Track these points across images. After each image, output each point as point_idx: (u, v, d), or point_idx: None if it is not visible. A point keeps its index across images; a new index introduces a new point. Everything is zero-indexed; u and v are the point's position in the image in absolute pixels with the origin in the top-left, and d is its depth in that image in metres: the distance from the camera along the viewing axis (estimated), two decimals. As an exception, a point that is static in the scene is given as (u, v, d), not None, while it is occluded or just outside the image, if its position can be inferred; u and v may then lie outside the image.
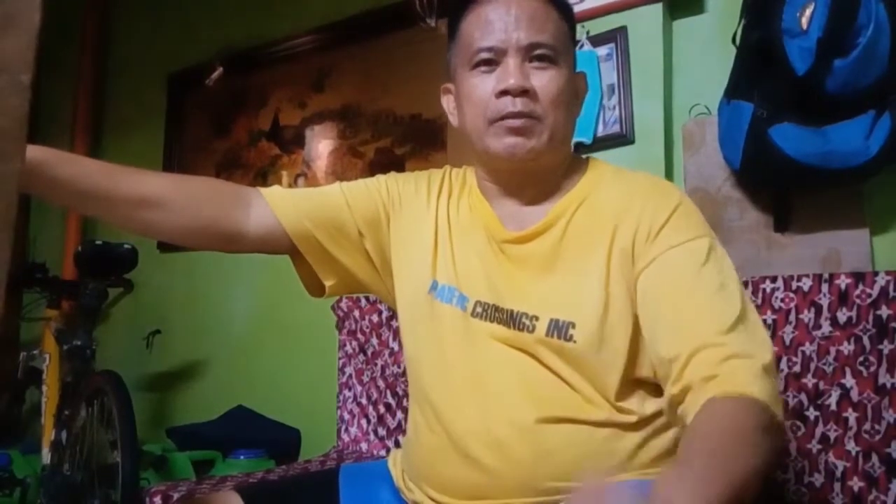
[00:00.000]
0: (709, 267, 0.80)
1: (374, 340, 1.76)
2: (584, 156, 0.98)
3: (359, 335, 1.79)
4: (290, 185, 2.33)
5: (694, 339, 0.75)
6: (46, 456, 2.16)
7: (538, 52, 0.86)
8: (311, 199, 0.97)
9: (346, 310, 1.82)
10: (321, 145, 2.28)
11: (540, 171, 0.90)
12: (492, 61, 0.87)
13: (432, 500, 0.88)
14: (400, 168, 2.07)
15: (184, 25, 2.75)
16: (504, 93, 0.85)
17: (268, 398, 2.23)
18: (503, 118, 0.85)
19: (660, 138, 1.55)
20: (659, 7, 1.57)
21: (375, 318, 1.77)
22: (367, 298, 1.77)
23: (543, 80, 0.86)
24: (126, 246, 2.26)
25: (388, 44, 2.14)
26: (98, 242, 2.25)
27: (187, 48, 2.68)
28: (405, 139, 2.08)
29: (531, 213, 0.91)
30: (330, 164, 2.25)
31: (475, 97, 0.88)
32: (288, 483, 1.19)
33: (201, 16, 2.69)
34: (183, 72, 2.68)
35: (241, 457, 1.99)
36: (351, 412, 1.78)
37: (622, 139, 1.58)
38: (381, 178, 1.00)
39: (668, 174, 1.54)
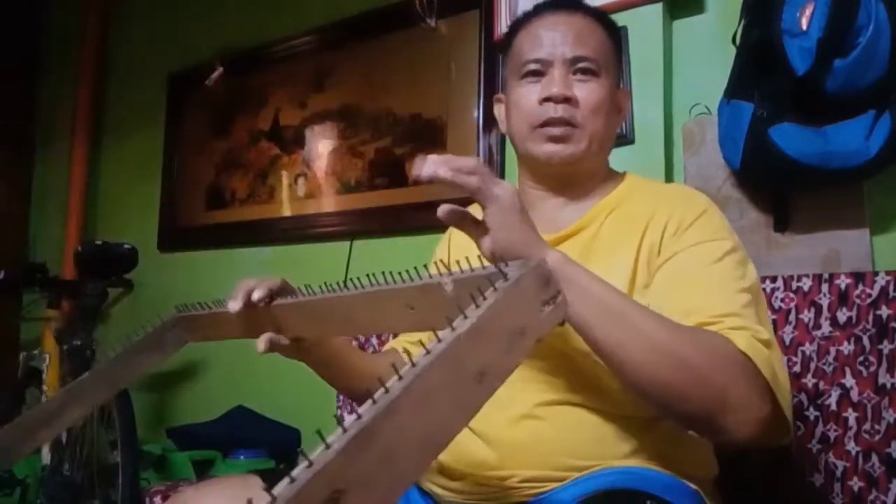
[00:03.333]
0: (722, 264, 0.82)
1: (374, 340, 1.76)
2: (621, 171, 1.02)
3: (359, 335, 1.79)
4: (290, 185, 2.34)
5: (692, 320, 0.75)
6: (46, 456, 2.16)
7: (581, 64, 0.93)
8: None
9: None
10: (321, 145, 2.28)
11: (577, 175, 0.96)
12: (539, 72, 0.94)
13: (439, 469, 0.89)
14: (399, 168, 2.07)
15: (184, 25, 2.75)
16: (547, 99, 0.92)
17: (268, 398, 2.23)
18: (545, 124, 0.92)
19: (660, 138, 1.55)
20: (659, 7, 1.57)
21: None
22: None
23: (585, 91, 0.92)
24: (126, 246, 2.26)
25: (388, 44, 2.14)
26: (98, 242, 2.26)
27: (187, 48, 2.68)
28: (405, 139, 2.08)
29: (566, 216, 0.96)
30: (330, 164, 2.25)
31: (522, 104, 0.95)
32: None
33: (201, 16, 2.69)
34: (183, 72, 2.68)
35: (241, 457, 1.99)
36: (351, 412, 1.78)
37: (622, 139, 1.58)
38: (440, 247, 1.14)
39: (668, 174, 1.54)
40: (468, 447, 0.87)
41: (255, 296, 0.81)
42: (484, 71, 1.92)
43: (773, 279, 1.23)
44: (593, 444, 0.83)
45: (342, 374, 0.97)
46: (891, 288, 1.13)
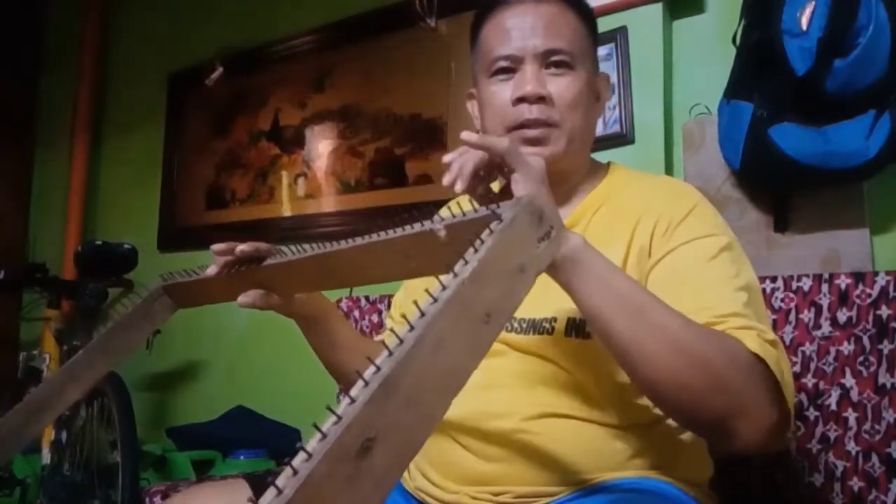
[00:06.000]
0: (718, 261, 0.79)
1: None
2: (604, 161, 0.99)
3: (359, 335, 1.79)
4: (290, 185, 2.34)
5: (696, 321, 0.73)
6: (46, 456, 2.16)
7: (555, 58, 0.87)
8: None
9: (346, 310, 1.82)
10: (321, 145, 2.28)
11: (558, 175, 0.90)
12: (510, 69, 0.88)
13: (434, 484, 0.88)
14: (399, 168, 2.07)
15: (184, 25, 2.75)
16: (521, 100, 0.86)
17: (268, 398, 2.23)
18: (520, 126, 0.86)
19: (660, 138, 1.55)
20: (659, 7, 1.57)
21: (375, 318, 1.77)
22: (366, 298, 1.77)
23: (560, 86, 0.87)
24: (126, 246, 2.26)
25: (388, 44, 2.14)
26: (98, 242, 2.25)
27: (187, 48, 2.68)
28: (405, 139, 2.08)
29: None
30: (330, 164, 2.25)
31: (494, 104, 0.89)
32: None
33: (201, 16, 2.69)
34: (183, 72, 2.68)
35: (241, 457, 1.99)
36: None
37: (622, 139, 1.58)
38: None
39: (668, 174, 1.54)
40: (462, 462, 0.86)
41: (241, 247, 0.77)
42: (484, 71, 1.93)
43: (773, 279, 1.23)
44: (587, 455, 0.82)
45: (328, 337, 0.94)
46: (891, 288, 1.13)
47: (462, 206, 0.99)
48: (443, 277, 0.44)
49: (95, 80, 2.96)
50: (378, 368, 0.39)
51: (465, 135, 0.70)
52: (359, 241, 0.64)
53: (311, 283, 0.79)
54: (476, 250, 0.46)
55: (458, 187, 0.69)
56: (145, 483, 1.83)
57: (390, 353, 0.40)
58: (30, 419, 0.84)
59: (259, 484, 0.93)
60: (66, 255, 2.74)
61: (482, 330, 0.45)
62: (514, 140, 0.66)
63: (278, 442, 2.08)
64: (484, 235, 0.47)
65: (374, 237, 0.62)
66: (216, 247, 0.80)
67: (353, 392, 0.38)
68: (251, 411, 2.21)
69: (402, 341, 0.40)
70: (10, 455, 0.87)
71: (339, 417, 0.37)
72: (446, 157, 0.71)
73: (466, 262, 0.45)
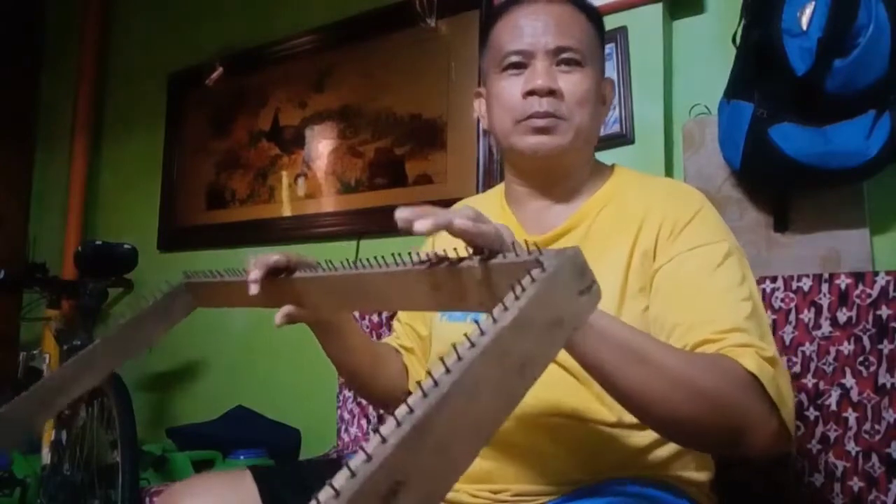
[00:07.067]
0: (722, 270, 0.81)
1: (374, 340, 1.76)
2: (609, 163, 1.00)
3: (359, 335, 1.79)
4: (290, 185, 2.34)
5: (696, 336, 0.75)
6: (46, 456, 2.16)
7: (565, 55, 0.89)
8: (408, 325, 1.10)
9: (346, 310, 1.82)
10: (321, 145, 2.28)
11: (563, 170, 0.92)
12: (521, 64, 0.90)
13: None
14: (399, 167, 2.07)
15: (184, 25, 2.75)
16: (531, 93, 0.88)
17: (268, 398, 2.23)
18: (529, 117, 0.88)
19: (660, 138, 1.55)
20: (659, 7, 1.57)
21: (375, 317, 1.77)
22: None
23: (570, 82, 0.89)
24: (126, 246, 2.26)
25: (388, 44, 2.14)
26: (98, 242, 2.25)
27: (187, 48, 2.68)
28: (405, 139, 2.08)
29: (554, 214, 0.93)
30: (330, 163, 2.25)
31: (504, 98, 0.91)
32: (297, 466, 1.22)
33: (201, 16, 2.69)
34: (183, 72, 2.68)
35: (241, 457, 1.99)
36: (351, 412, 1.78)
37: (622, 139, 1.58)
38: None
39: (668, 174, 1.54)
40: None
41: (273, 259, 0.76)
42: (484, 71, 1.93)
43: (773, 279, 1.23)
44: (586, 455, 0.83)
45: (342, 342, 0.95)
46: (891, 288, 1.13)
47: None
48: (482, 323, 0.43)
49: (95, 80, 2.96)
50: (411, 410, 0.38)
51: (460, 222, 0.56)
52: (392, 268, 0.64)
53: (338, 302, 0.78)
54: (517, 297, 0.45)
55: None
56: (145, 483, 1.83)
57: (425, 395, 0.39)
58: (40, 406, 0.84)
59: (263, 477, 0.93)
60: (66, 255, 2.74)
61: (516, 381, 0.44)
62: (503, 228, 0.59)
63: (278, 442, 2.08)
64: (525, 282, 0.46)
65: (408, 266, 0.61)
66: (254, 289, 0.77)
67: (384, 431, 0.37)
68: (251, 411, 2.21)
69: (437, 384, 0.39)
70: (21, 438, 0.86)
71: (370, 457, 0.36)
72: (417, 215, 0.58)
73: (506, 309, 0.44)
